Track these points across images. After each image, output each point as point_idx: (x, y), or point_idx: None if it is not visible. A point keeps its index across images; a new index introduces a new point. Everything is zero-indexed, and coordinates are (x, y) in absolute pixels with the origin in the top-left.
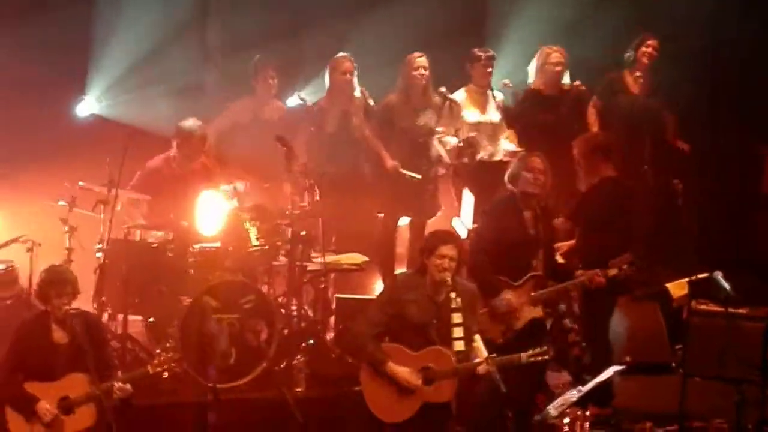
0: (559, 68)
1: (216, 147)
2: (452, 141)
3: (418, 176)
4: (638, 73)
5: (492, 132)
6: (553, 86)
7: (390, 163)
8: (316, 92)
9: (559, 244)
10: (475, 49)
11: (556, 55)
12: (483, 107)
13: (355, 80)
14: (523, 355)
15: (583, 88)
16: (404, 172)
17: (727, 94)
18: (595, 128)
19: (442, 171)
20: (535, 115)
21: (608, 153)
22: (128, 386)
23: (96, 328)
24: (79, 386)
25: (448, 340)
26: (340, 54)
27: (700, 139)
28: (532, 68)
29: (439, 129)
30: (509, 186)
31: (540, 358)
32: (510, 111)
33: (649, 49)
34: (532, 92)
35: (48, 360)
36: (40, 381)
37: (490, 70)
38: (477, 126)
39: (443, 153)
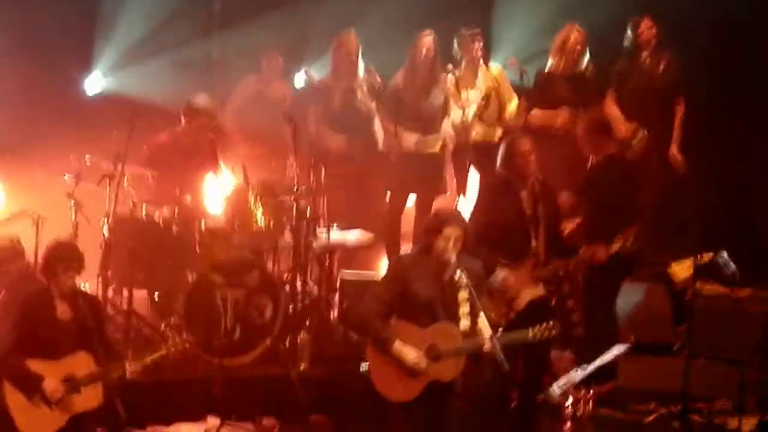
0: (578, 48)
1: (238, 124)
2: (456, 117)
3: (432, 150)
4: (645, 54)
5: (499, 106)
6: (571, 67)
7: (396, 141)
8: (324, 67)
9: (565, 224)
10: (462, 29)
11: (575, 35)
12: (473, 84)
13: (360, 58)
14: (530, 332)
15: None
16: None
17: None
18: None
19: (450, 146)
20: (555, 95)
21: (610, 130)
22: (139, 369)
23: (97, 309)
24: (84, 365)
25: (455, 317)
26: (344, 31)
27: (706, 112)
28: (552, 47)
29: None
30: (501, 170)
31: (547, 334)
32: (530, 94)
33: (645, 30)
34: (548, 75)
35: (51, 336)
36: (43, 358)
37: (476, 46)
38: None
39: (450, 131)
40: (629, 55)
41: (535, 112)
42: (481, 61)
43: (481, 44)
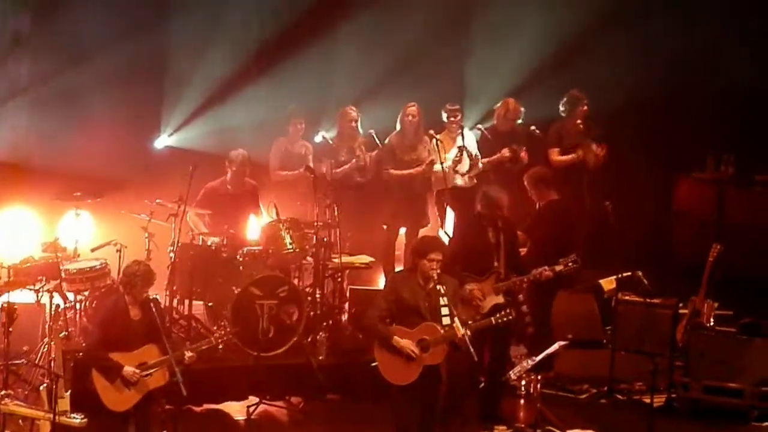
0: (515, 116)
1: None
2: (437, 168)
3: (412, 171)
4: (578, 121)
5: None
6: (509, 126)
7: (392, 172)
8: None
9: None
10: (447, 104)
11: (513, 105)
12: (452, 146)
13: (359, 124)
14: (493, 318)
15: (537, 132)
16: (397, 172)
17: (645, 132)
18: (566, 159)
19: (432, 192)
20: (495, 147)
21: (549, 181)
22: (195, 354)
23: (162, 312)
24: (153, 354)
25: (438, 319)
26: (348, 107)
27: (625, 168)
28: (495, 113)
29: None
30: (479, 207)
31: (506, 318)
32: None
33: (584, 107)
34: (492, 129)
35: (127, 333)
36: (121, 351)
37: (452, 119)
38: (455, 159)
39: (433, 179)
40: (566, 117)
41: (485, 160)
42: (459, 128)
43: (460, 116)
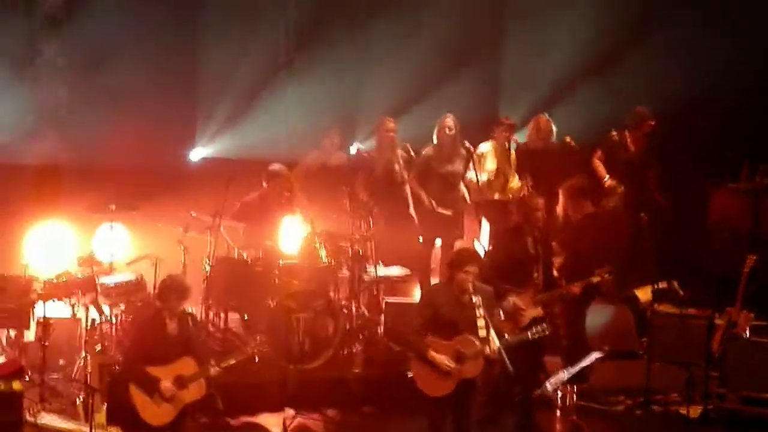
0: (546, 135)
1: (306, 188)
2: (473, 177)
3: (449, 212)
4: (636, 136)
5: (504, 178)
6: (541, 145)
7: (427, 203)
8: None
9: (554, 259)
10: (503, 118)
11: (545, 122)
12: (501, 160)
13: (397, 136)
14: (529, 333)
15: (573, 143)
16: (440, 210)
17: (680, 142)
18: (603, 173)
19: (466, 205)
20: (528, 164)
21: (586, 194)
22: (219, 368)
23: (198, 324)
24: (189, 367)
25: (474, 330)
26: (386, 117)
27: (664, 182)
28: (527, 131)
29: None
30: (517, 217)
31: (542, 333)
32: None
33: (648, 126)
34: (525, 147)
35: (164, 347)
36: (158, 365)
37: (506, 134)
38: (494, 172)
39: (466, 194)
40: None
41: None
42: (506, 143)
43: (513, 132)
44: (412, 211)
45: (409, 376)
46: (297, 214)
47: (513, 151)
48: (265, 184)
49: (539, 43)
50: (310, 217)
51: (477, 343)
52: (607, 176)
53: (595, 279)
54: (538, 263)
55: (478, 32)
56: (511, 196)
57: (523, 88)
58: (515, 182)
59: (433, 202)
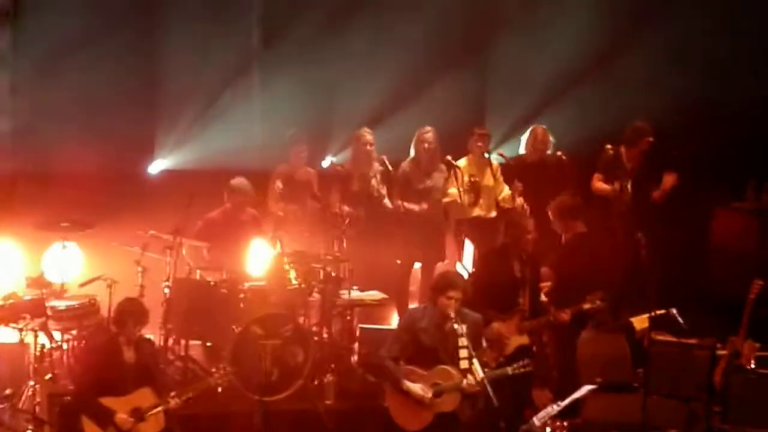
0: (544, 146)
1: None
2: (454, 194)
3: (417, 207)
4: (633, 153)
5: (487, 193)
6: (538, 156)
7: (397, 203)
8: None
9: (542, 285)
10: (475, 128)
11: (542, 133)
12: (480, 173)
13: (374, 149)
14: (509, 368)
15: (564, 158)
16: (408, 206)
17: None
18: (605, 189)
19: (447, 224)
20: (522, 178)
21: (576, 213)
22: (180, 401)
23: (156, 352)
24: (147, 398)
25: (455, 360)
26: (362, 129)
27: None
28: (523, 142)
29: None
30: (503, 237)
31: (523, 369)
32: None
33: (647, 143)
34: (521, 160)
35: (119, 376)
36: (113, 395)
37: (480, 144)
38: (474, 185)
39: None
40: (623, 145)
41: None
42: (484, 155)
43: (488, 141)
44: None
45: (377, 402)
46: (264, 233)
47: (495, 163)
48: (227, 200)
49: (528, 48)
50: (278, 235)
51: (455, 374)
52: (610, 189)
53: (587, 306)
54: (525, 288)
55: (462, 35)
56: (495, 210)
57: (512, 95)
58: (505, 192)
59: (403, 203)
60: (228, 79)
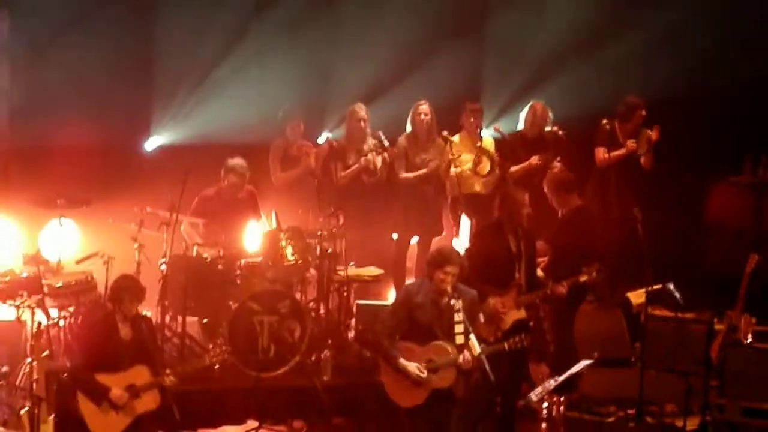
0: (543, 121)
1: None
2: (453, 170)
3: (424, 170)
4: (627, 128)
5: (474, 168)
6: (537, 132)
7: (402, 175)
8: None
9: (539, 260)
10: (467, 103)
11: (541, 109)
12: (472, 149)
13: (368, 125)
14: (506, 343)
15: (561, 133)
16: (409, 175)
17: (676, 131)
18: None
19: (444, 199)
20: (522, 154)
21: (571, 187)
22: (175, 378)
23: (154, 329)
24: (143, 375)
25: (451, 336)
26: (356, 104)
27: (654, 171)
28: (522, 117)
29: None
30: (498, 212)
31: (520, 344)
32: (503, 150)
33: (640, 117)
34: (519, 136)
35: (115, 353)
36: (109, 372)
37: (473, 119)
38: (464, 163)
39: (448, 185)
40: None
41: (513, 168)
42: (478, 129)
43: (480, 116)
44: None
45: (373, 379)
46: (259, 210)
47: (488, 138)
48: (223, 179)
49: (525, 21)
50: (274, 212)
51: (451, 351)
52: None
53: (583, 278)
54: (521, 262)
55: (458, 8)
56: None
57: (508, 69)
58: (486, 167)
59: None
60: (223, 54)
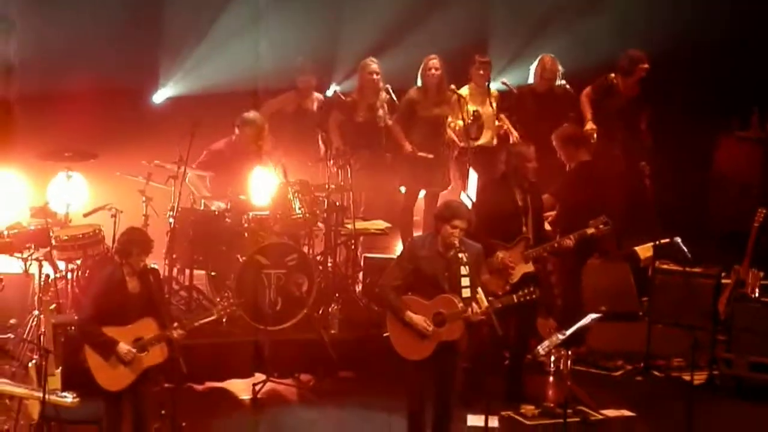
0: (552, 75)
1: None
2: (460, 124)
3: (431, 155)
4: (630, 82)
5: (489, 122)
6: (546, 86)
7: (408, 147)
8: (350, 86)
9: (546, 214)
10: (476, 55)
11: (551, 63)
12: (482, 101)
13: (381, 78)
14: (514, 296)
15: (569, 87)
16: (419, 153)
17: (683, 86)
18: (588, 115)
19: (454, 153)
20: (531, 108)
21: (579, 141)
22: (184, 332)
23: (161, 283)
24: (150, 329)
25: (457, 289)
26: (369, 58)
27: (661, 126)
28: (532, 71)
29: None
30: (504, 166)
31: (528, 297)
32: (510, 103)
33: (643, 70)
34: (529, 90)
35: (123, 306)
36: (116, 325)
37: (482, 72)
38: (477, 117)
39: (454, 138)
40: (620, 73)
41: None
42: (486, 83)
43: (489, 69)
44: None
45: (385, 336)
46: (268, 163)
47: (495, 92)
48: (237, 132)
49: None
50: (282, 165)
51: (458, 304)
52: (590, 120)
53: (590, 231)
54: (528, 216)
55: None
56: (495, 140)
57: (515, 22)
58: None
59: (413, 147)
60: (232, 3)
